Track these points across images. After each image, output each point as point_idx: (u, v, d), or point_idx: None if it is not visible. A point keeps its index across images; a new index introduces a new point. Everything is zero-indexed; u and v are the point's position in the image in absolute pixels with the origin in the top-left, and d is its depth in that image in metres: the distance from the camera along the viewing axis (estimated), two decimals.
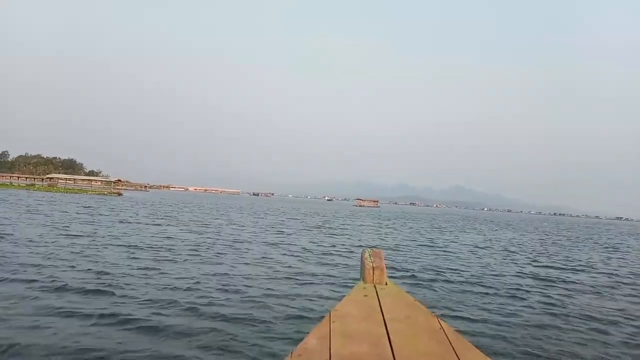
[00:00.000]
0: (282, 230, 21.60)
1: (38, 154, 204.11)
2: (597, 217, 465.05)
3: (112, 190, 60.02)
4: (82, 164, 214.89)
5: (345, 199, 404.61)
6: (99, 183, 63.26)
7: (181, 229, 18.42)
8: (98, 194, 58.57)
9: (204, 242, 14.22)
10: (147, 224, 19.79)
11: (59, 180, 64.47)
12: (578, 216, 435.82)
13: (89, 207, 31.16)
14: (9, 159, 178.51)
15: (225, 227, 20.98)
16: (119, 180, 63.69)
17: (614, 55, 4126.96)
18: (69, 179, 63.71)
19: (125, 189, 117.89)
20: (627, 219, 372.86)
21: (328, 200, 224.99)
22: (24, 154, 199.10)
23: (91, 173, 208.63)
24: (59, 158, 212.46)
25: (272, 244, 14.97)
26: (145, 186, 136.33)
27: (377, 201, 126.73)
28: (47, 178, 66.51)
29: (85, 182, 65.55)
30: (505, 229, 39.10)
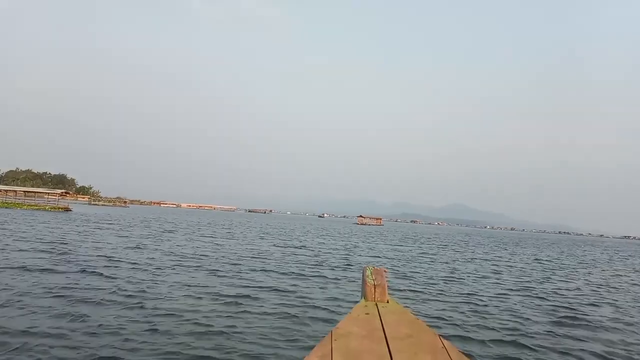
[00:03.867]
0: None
1: (28, 169, 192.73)
2: (601, 235, 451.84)
3: (58, 205, 48.38)
4: (74, 179, 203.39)
5: (344, 216, 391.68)
6: (46, 196, 51.49)
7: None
8: (38, 208, 46.80)
9: None
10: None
11: None
12: (582, 234, 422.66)
13: None
14: None
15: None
16: (66, 192, 52.02)
17: (617, 67, 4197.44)
18: (10, 191, 52.00)
19: (94, 204, 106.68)
20: (634, 238, 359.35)
21: (319, 217, 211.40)
22: (14, 169, 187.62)
23: (82, 189, 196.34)
24: (50, 173, 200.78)
25: None
26: (125, 202, 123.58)
27: (381, 219, 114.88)
28: None
29: (30, 195, 53.84)
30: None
